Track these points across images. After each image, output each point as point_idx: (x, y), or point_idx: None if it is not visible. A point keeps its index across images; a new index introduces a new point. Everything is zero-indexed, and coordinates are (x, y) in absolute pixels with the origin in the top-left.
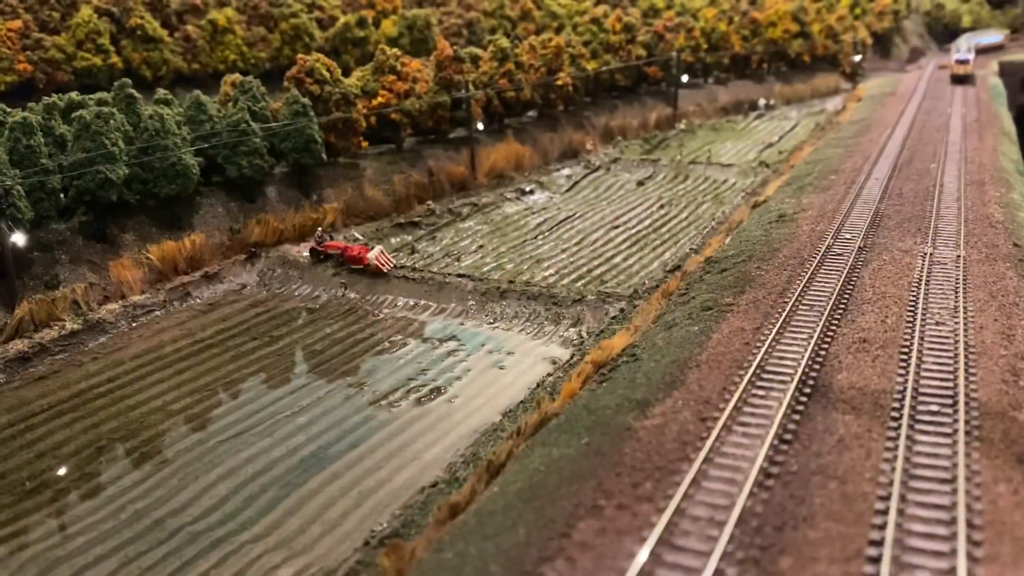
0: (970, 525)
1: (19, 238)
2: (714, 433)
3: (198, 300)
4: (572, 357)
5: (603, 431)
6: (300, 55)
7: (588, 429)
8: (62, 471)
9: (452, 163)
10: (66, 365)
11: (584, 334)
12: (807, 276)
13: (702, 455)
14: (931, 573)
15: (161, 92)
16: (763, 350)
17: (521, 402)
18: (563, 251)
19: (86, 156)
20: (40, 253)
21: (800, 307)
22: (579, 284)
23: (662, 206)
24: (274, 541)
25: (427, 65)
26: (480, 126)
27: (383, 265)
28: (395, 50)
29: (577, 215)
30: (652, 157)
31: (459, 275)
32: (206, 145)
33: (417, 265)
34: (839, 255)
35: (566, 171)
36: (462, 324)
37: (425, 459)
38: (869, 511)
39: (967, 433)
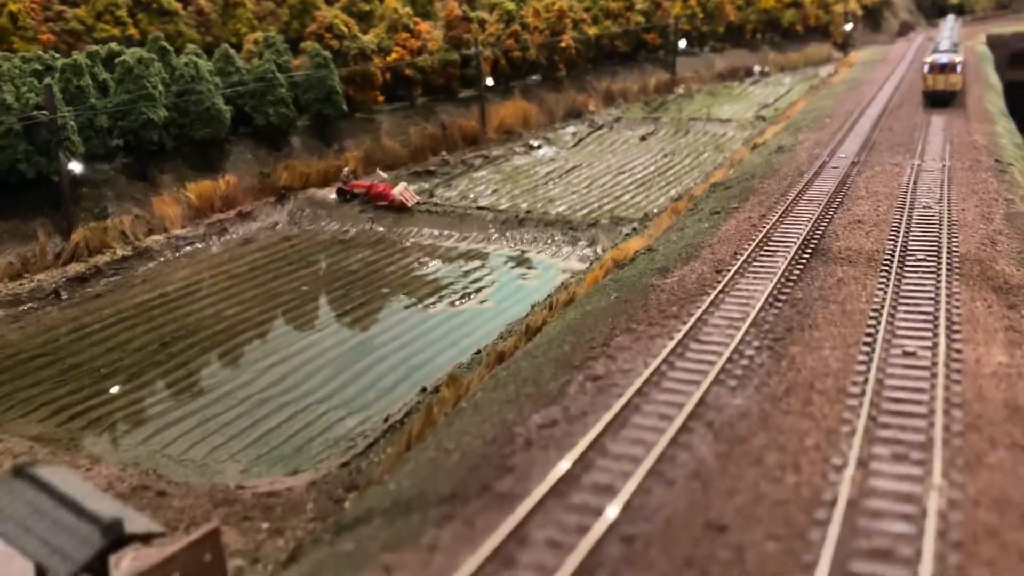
0: (949, 320)
1: (76, 166)
2: (728, 276)
3: (234, 236)
4: (591, 265)
5: (630, 289)
6: (319, 12)
7: (616, 290)
8: (132, 360)
9: (463, 119)
10: (120, 286)
11: (600, 251)
12: (806, 182)
13: (719, 288)
14: (917, 347)
15: (190, 47)
16: (768, 227)
17: (548, 295)
18: (573, 193)
19: (129, 97)
20: (88, 189)
21: (801, 201)
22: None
23: (665, 155)
24: (336, 403)
25: (436, 27)
26: (490, 81)
27: (407, 200)
28: (407, 9)
29: (584, 164)
30: (653, 116)
31: (479, 207)
32: (240, 88)
33: (438, 201)
34: (835, 168)
35: (571, 129)
36: (485, 248)
37: (463, 345)
38: (865, 320)
39: (949, 270)
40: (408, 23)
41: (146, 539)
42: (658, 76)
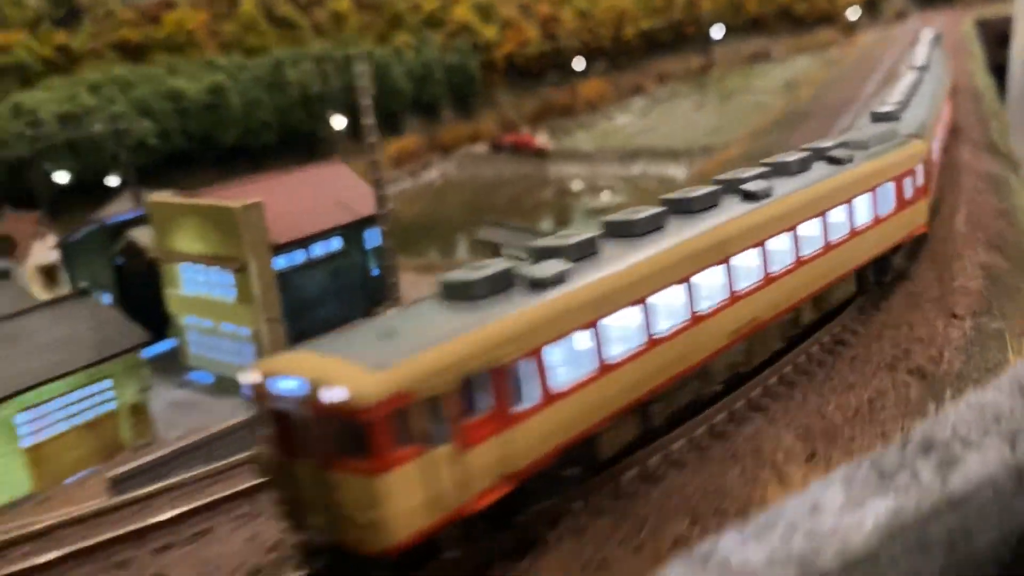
0: (943, 144)
1: (340, 121)
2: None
3: (422, 178)
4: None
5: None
6: (457, 11)
7: (743, 156)
8: (411, 237)
9: (557, 96)
10: None
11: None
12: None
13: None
14: None
15: (376, 49)
16: (813, 129)
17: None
18: (661, 141)
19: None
20: (326, 144)
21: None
22: None
23: (720, 117)
24: None
25: (529, 25)
26: (581, 65)
27: (546, 147)
28: (514, 13)
29: (660, 126)
30: (701, 91)
31: (599, 148)
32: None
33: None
34: (868, 91)
35: (638, 103)
36: (612, 171)
37: None
38: None
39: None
40: (516, 23)
41: None
42: (696, 61)
